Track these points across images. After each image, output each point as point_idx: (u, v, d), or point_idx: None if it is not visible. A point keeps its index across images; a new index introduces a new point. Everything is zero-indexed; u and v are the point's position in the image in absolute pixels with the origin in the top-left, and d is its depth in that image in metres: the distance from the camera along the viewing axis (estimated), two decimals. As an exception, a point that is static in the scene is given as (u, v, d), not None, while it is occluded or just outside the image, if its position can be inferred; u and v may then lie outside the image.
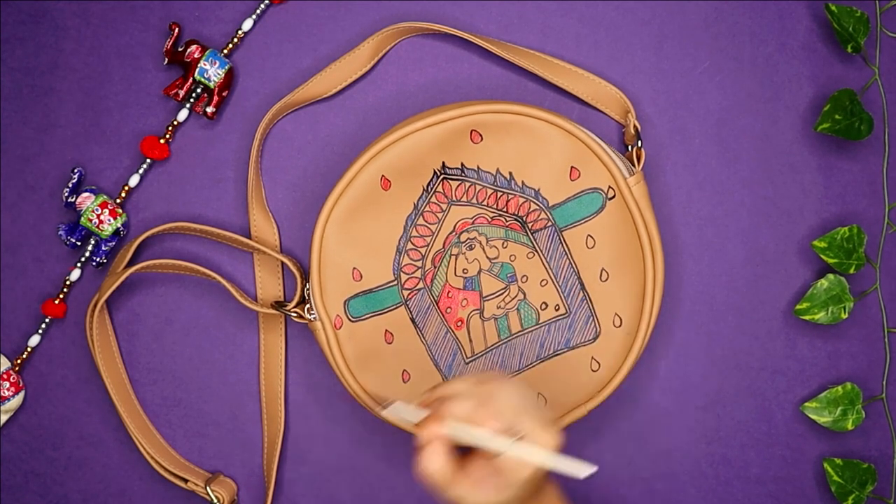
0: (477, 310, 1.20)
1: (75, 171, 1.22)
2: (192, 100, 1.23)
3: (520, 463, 1.00)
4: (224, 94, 1.23)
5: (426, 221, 1.20)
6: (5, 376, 1.23)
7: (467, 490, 1.01)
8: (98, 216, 1.22)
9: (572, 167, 1.19)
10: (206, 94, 1.23)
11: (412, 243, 1.20)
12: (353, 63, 1.23)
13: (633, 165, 1.21)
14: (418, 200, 1.19)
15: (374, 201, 1.18)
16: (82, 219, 1.22)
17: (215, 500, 1.22)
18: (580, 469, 1.00)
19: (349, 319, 1.19)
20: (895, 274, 1.24)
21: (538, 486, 1.04)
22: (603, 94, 1.23)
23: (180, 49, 1.22)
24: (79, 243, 1.23)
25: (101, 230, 1.22)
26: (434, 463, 1.01)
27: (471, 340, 1.20)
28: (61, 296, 1.24)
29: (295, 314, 1.19)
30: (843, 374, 1.24)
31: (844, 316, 1.21)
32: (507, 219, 1.20)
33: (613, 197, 1.19)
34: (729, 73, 1.24)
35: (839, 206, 1.24)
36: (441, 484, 1.01)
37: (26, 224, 1.25)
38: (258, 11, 1.24)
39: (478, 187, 1.19)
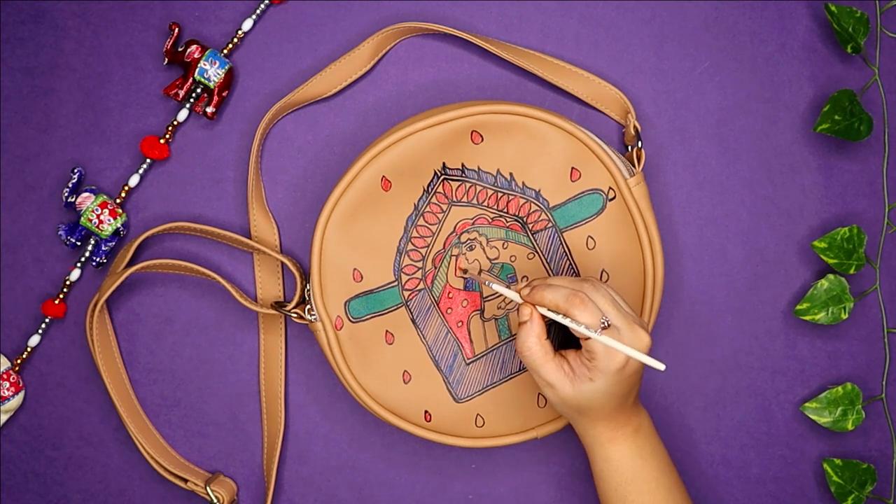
0: (477, 310, 1.20)
1: (75, 171, 1.22)
2: (192, 100, 1.23)
3: (609, 353, 1.07)
4: (224, 94, 1.23)
5: (427, 222, 1.20)
6: (5, 376, 1.23)
7: (560, 377, 1.09)
8: (98, 216, 1.22)
9: (573, 168, 1.19)
10: (206, 94, 1.23)
11: (413, 244, 1.20)
12: (353, 63, 1.23)
13: (634, 166, 1.21)
14: (419, 201, 1.19)
15: (374, 202, 1.18)
16: (82, 219, 1.22)
17: (215, 500, 1.22)
18: (656, 363, 1.06)
19: (350, 320, 1.19)
20: (895, 274, 1.25)
21: (630, 386, 1.09)
22: (603, 94, 1.23)
23: (180, 49, 1.22)
24: (79, 243, 1.23)
25: (101, 230, 1.22)
26: (530, 339, 1.09)
27: (471, 341, 1.20)
28: (61, 296, 1.24)
29: (295, 315, 1.19)
30: (843, 374, 1.24)
31: (844, 316, 1.22)
32: (508, 219, 1.20)
33: (614, 198, 1.19)
34: (729, 73, 1.24)
35: (839, 206, 1.24)
36: (535, 362, 1.09)
37: (26, 224, 1.25)
38: (258, 11, 1.24)
39: (478, 188, 1.19)
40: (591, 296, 1.08)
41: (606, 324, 1.07)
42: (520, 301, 1.10)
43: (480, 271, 1.19)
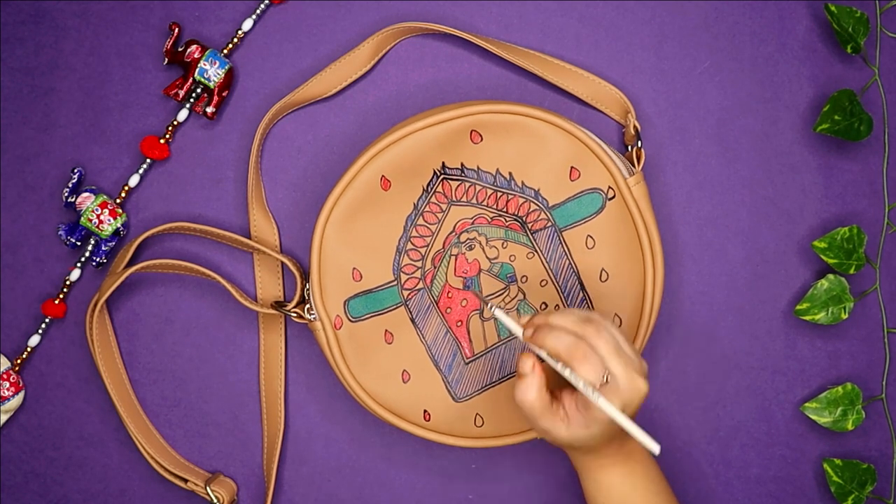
0: (477, 310, 1.20)
1: (75, 171, 1.22)
2: (192, 100, 1.23)
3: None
4: (224, 94, 1.23)
5: (426, 221, 1.20)
6: (5, 376, 1.23)
7: (556, 424, 1.06)
8: (98, 216, 1.22)
9: (572, 167, 1.19)
10: (206, 94, 1.23)
11: (412, 243, 1.20)
12: (353, 63, 1.23)
13: (633, 165, 1.21)
14: (418, 200, 1.19)
15: (374, 201, 1.18)
16: (82, 219, 1.22)
17: (215, 500, 1.22)
18: (650, 443, 1.02)
19: (349, 319, 1.19)
20: (895, 274, 1.24)
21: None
22: (603, 94, 1.23)
23: (180, 49, 1.22)
24: (79, 243, 1.23)
25: (101, 230, 1.22)
26: (529, 394, 1.06)
27: (471, 341, 1.20)
28: (61, 296, 1.24)
29: (295, 314, 1.19)
30: (843, 374, 1.24)
31: (844, 316, 1.21)
32: (507, 219, 1.20)
33: (613, 197, 1.19)
34: (729, 73, 1.24)
35: (839, 206, 1.24)
36: (532, 414, 1.07)
37: (26, 224, 1.25)
38: (258, 11, 1.24)
39: (478, 187, 1.19)
40: (594, 341, 1.04)
41: (606, 379, 1.04)
42: (521, 338, 1.08)
43: (487, 299, 1.17)
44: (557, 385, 1.10)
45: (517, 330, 1.08)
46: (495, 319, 1.20)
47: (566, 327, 1.05)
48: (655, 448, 1.01)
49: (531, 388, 1.06)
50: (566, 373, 1.04)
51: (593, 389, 1.03)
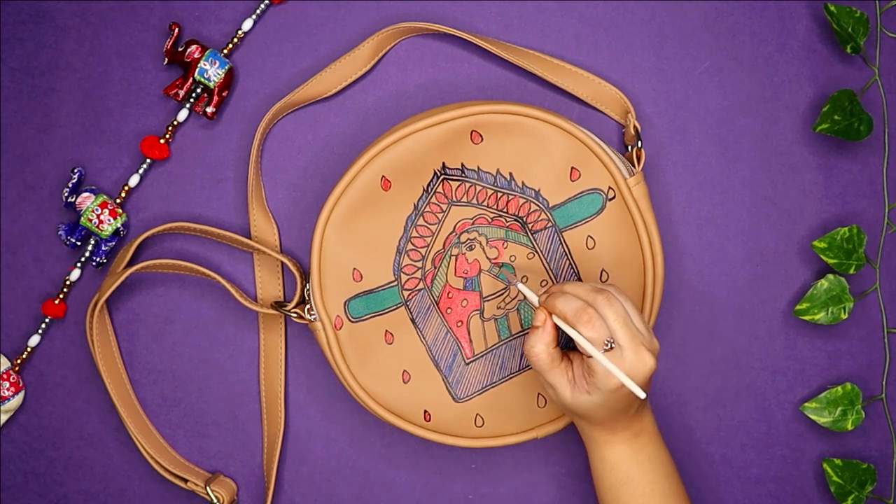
0: (477, 310, 1.20)
1: (75, 171, 1.22)
2: (192, 100, 1.23)
3: (607, 373, 1.07)
4: (224, 94, 1.23)
5: (426, 222, 1.20)
6: (5, 376, 1.23)
7: (562, 382, 1.10)
8: (98, 216, 1.22)
9: (572, 168, 1.19)
10: (206, 94, 1.23)
11: (412, 244, 1.20)
12: (353, 63, 1.23)
13: (633, 166, 1.21)
14: (418, 201, 1.19)
15: (374, 202, 1.18)
16: (82, 219, 1.22)
17: (215, 500, 1.22)
18: (637, 389, 1.06)
19: (349, 320, 1.19)
20: (895, 274, 1.25)
21: (628, 402, 1.10)
22: (603, 94, 1.23)
23: (180, 49, 1.22)
24: (79, 243, 1.23)
25: (101, 230, 1.22)
26: (537, 346, 1.09)
27: (471, 341, 1.20)
28: (61, 296, 1.24)
29: (295, 314, 1.19)
30: (843, 374, 1.24)
31: (844, 316, 1.22)
32: (508, 219, 1.20)
33: (613, 197, 1.19)
34: (729, 73, 1.24)
35: (839, 206, 1.24)
36: (539, 367, 1.10)
37: (26, 224, 1.25)
38: (258, 11, 1.24)
39: (478, 188, 1.19)
40: (603, 310, 1.07)
41: (610, 345, 1.06)
42: (536, 304, 1.11)
43: (499, 268, 1.20)
44: (570, 349, 1.13)
45: (533, 297, 1.11)
46: (495, 320, 1.20)
47: (577, 294, 1.09)
48: (641, 394, 1.05)
49: (540, 341, 1.09)
50: (573, 333, 1.07)
51: (600, 349, 1.06)
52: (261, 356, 1.24)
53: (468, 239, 1.20)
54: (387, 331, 1.20)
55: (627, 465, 1.12)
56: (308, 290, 1.19)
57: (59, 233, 1.23)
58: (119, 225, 1.23)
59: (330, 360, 1.19)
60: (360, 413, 1.25)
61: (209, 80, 1.22)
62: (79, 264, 1.24)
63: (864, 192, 1.24)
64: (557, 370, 1.09)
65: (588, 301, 1.08)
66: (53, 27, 1.24)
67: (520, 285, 1.12)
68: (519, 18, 1.24)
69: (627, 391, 1.08)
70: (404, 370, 1.20)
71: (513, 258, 1.20)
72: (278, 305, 1.20)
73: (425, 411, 1.20)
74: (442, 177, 1.19)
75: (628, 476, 1.13)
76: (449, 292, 1.20)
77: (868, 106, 1.24)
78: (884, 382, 1.24)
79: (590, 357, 1.07)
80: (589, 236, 1.19)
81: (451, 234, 1.20)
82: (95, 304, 1.21)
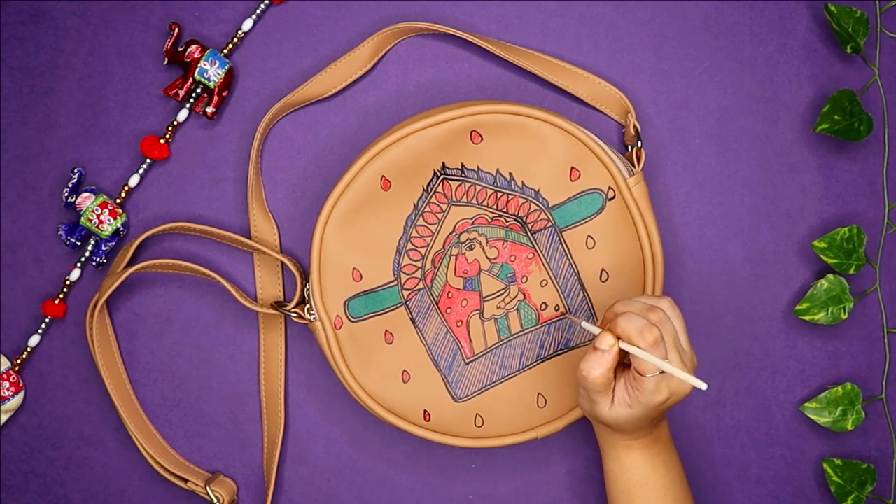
0: (477, 310, 1.20)
1: (75, 171, 1.22)
2: (192, 100, 1.23)
3: (658, 388, 1.06)
4: (224, 94, 1.23)
5: (426, 222, 1.20)
6: (5, 376, 1.24)
7: (604, 401, 1.09)
8: (98, 216, 1.22)
9: (572, 167, 1.19)
10: (206, 94, 1.23)
11: (412, 243, 1.20)
12: (353, 63, 1.23)
13: (633, 166, 1.21)
14: (418, 201, 1.19)
15: (374, 202, 1.18)
16: (82, 219, 1.22)
17: (215, 500, 1.22)
18: (699, 382, 1.05)
19: (349, 320, 1.19)
20: (895, 274, 1.25)
21: (661, 414, 1.11)
22: (603, 94, 1.23)
23: (180, 49, 1.22)
24: (79, 243, 1.23)
25: (101, 230, 1.22)
26: (596, 370, 1.07)
27: (471, 341, 1.20)
28: (61, 296, 1.24)
29: (295, 314, 1.19)
30: (843, 374, 1.24)
31: (844, 316, 1.21)
32: (507, 219, 1.20)
33: (613, 197, 1.19)
34: (729, 73, 1.24)
35: (839, 206, 1.24)
36: (593, 389, 1.08)
37: (26, 224, 1.25)
38: (258, 11, 1.24)
39: (478, 188, 1.19)
40: (662, 328, 1.07)
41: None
42: (597, 332, 1.09)
43: (568, 312, 1.20)
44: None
45: (596, 330, 1.10)
46: (495, 320, 1.20)
47: (636, 311, 1.08)
48: (703, 385, 1.04)
49: (601, 366, 1.07)
50: (637, 352, 1.06)
51: (663, 366, 1.05)
52: (261, 356, 1.24)
53: (468, 239, 1.20)
54: (386, 331, 1.20)
55: (643, 469, 1.13)
56: (308, 289, 1.19)
57: (59, 233, 1.23)
58: (119, 225, 1.23)
59: (330, 360, 1.19)
60: (360, 413, 1.25)
61: (209, 80, 1.22)
62: (79, 264, 1.24)
63: (863, 192, 1.24)
64: (605, 391, 1.09)
65: (650, 320, 1.07)
66: (53, 27, 1.24)
67: (584, 324, 1.11)
68: (519, 18, 1.24)
69: (669, 404, 1.08)
70: (404, 370, 1.20)
71: (512, 258, 1.20)
72: (278, 305, 1.20)
73: (425, 411, 1.20)
74: (442, 177, 1.19)
75: (643, 479, 1.13)
76: (449, 292, 1.20)
77: (868, 106, 1.24)
78: (884, 382, 1.24)
79: (642, 375, 1.06)
80: (589, 236, 1.19)
81: (450, 233, 1.20)
82: (95, 304, 1.21)
